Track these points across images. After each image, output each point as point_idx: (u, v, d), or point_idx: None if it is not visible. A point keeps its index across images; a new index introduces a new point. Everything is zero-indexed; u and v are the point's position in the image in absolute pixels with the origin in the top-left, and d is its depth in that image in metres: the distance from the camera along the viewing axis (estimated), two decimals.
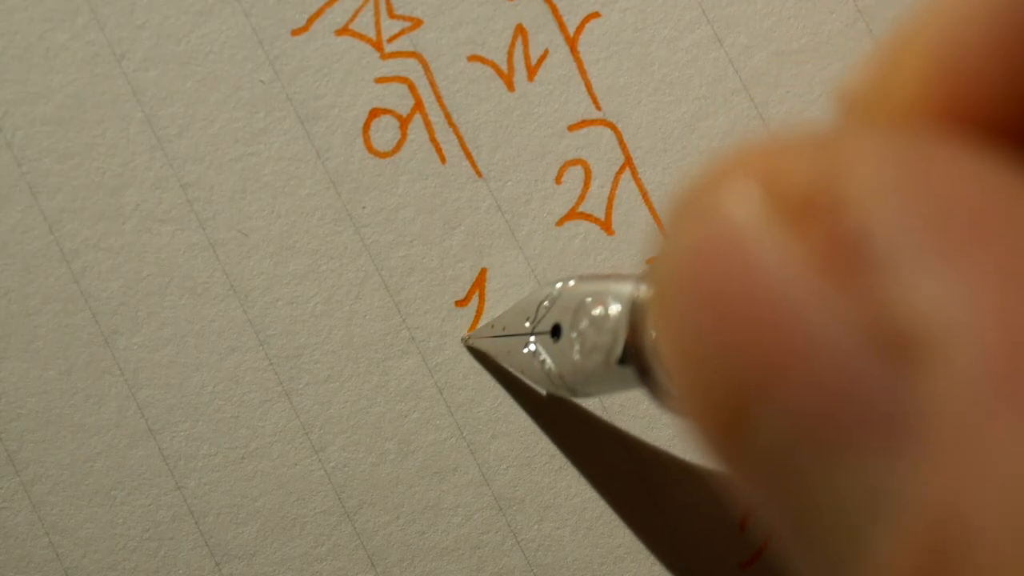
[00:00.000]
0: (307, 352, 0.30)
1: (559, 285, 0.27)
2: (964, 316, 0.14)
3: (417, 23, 0.31)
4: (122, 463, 0.29)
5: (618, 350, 0.24)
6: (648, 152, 0.31)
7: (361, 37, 0.31)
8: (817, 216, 0.15)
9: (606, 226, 0.31)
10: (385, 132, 0.31)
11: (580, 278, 0.26)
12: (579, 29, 0.31)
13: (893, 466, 0.14)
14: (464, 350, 0.30)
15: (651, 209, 0.31)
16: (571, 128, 0.31)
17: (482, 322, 0.30)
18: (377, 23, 0.31)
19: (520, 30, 0.31)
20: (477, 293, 0.30)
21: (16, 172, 0.30)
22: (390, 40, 0.31)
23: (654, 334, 0.22)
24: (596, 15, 0.31)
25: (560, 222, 0.31)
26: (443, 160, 0.31)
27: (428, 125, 0.31)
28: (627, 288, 0.23)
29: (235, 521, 0.29)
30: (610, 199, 0.31)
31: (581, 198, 0.31)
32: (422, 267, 0.30)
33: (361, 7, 0.31)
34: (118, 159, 0.30)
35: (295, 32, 0.31)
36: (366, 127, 0.30)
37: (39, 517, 0.29)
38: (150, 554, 0.29)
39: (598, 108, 0.31)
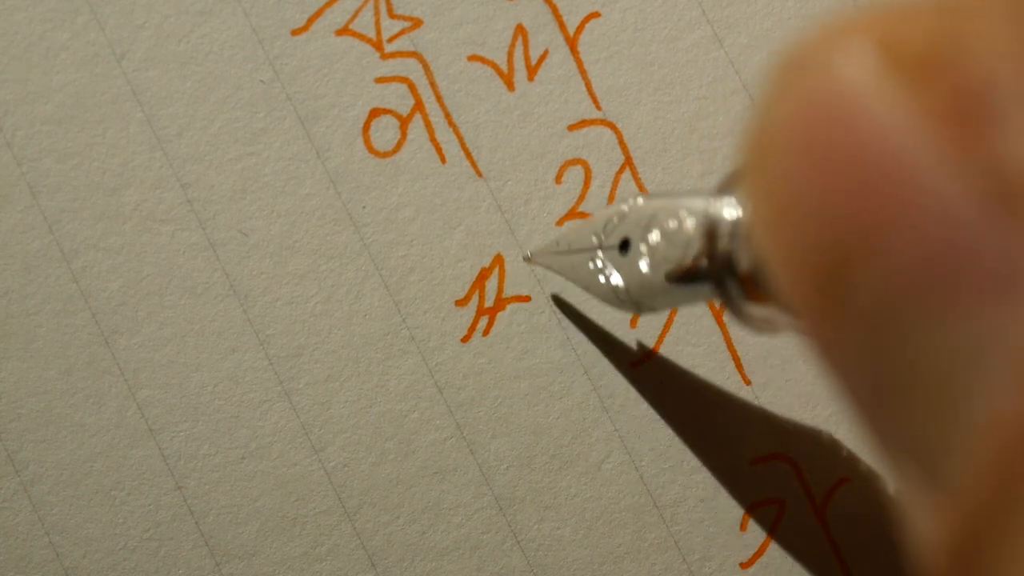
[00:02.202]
0: (307, 352, 0.30)
1: (630, 201, 0.26)
2: None
3: (417, 23, 0.31)
4: (122, 463, 0.29)
5: (689, 261, 0.23)
6: (648, 152, 0.31)
7: (361, 37, 0.31)
8: (937, 71, 0.15)
9: None
10: (385, 132, 0.31)
11: (650, 195, 0.26)
12: (579, 29, 0.31)
13: (1002, 321, 0.14)
14: (464, 350, 0.30)
15: None
16: (571, 128, 0.31)
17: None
18: (377, 23, 0.31)
19: (520, 30, 0.31)
20: (477, 293, 0.30)
21: (16, 172, 0.30)
22: (390, 40, 0.31)
23: (737, 248, 0.21)
24: (596, 15, 0.31)
25: (560, 222, 0.31)
26: (443, 160, 0.31)
27: (428, 125, 0.31)
28: (700, 202, 0.23)
29: (235, 521, 0.29)
30: (610, 199, 0.31)
31: (581, 198, 0.31)
32: (422, 267, 0.30)
33: (361, 7, 0.31)
34: (118, 159, 0.30)
35: (295, 32, 0.31)
36: (366, 127, 0.30)
37: (39, 517, 0.29)
38: (150, 554, 0.29)
39: (598, 108, 0.31)
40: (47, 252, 0.30)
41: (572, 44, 0.31)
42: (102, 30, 0.30)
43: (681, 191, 0.25)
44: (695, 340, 0.30)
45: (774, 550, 0.30)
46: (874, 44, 0.15)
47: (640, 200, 0.26)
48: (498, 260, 0.30)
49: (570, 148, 0.31)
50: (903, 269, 0.15)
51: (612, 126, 0.31)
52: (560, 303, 0.30)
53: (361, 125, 0.30)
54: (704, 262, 0.23)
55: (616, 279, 0.26)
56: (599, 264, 0.27)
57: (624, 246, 0.26)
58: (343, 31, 0.31)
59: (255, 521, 0.29)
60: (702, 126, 0.31)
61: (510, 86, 0.31)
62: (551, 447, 0.30)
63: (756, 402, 0.30)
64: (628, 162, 0.31)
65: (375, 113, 0.31)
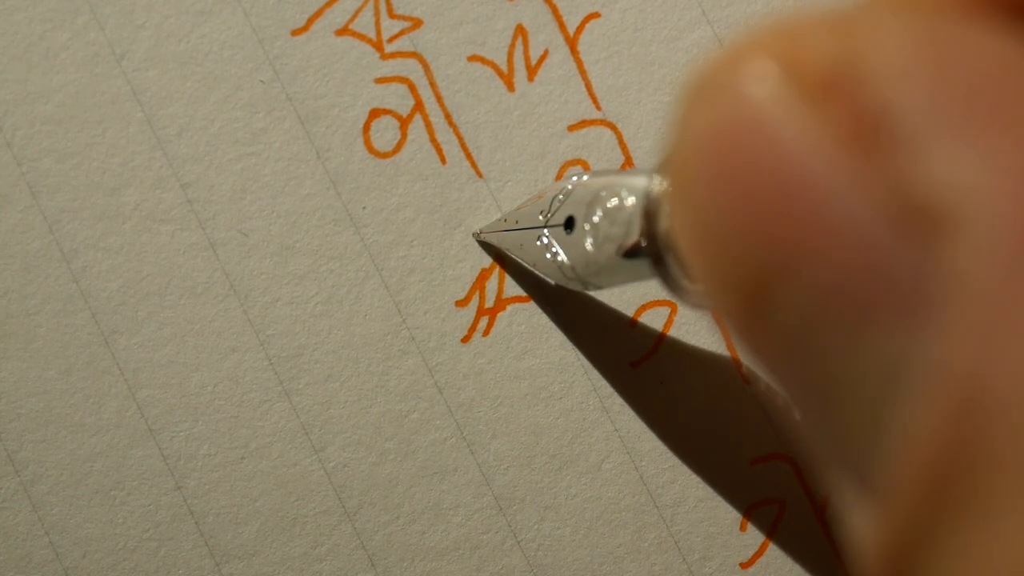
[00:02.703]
0: (307, 352, 0.30)
1: (574, 179, 0.27)
2: (986, 188, 0.14)
3: (417, 23, 0.31)
4: (122, 463, 0.29)
5: (631, 240, 0.24)
6: (648, 152, 0.31)
7: (361, 37, 0.31)
8: (838, 93, 0.15)
9: None
10: (385, 132, 0.31)
11: (594, 173, 0.27)
12: (579, 29, 0.31)
13: (917, 339, 0.14)
14: (464, 350, 0.30)
15: None
16: (571, 128, 0.31)
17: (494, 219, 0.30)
18: (377, 23, 0.31)
19: (520, 30, 0.31)
20: (477, 293, 0.30)
21: (16, 172, 0.30)
22: (390, 40, 0.31)
23: (670, 219, 0.22)
24: (596, 15, 0.31)
25: None
26: (443, 160, 0.31)
27: (428, 125, 0.31)
28: (641, 180, 0.24)
29: (235, 521, 0.29)
30: None
31: None
32: (422, 267, 0.30)
33: (361, 7, 0.31)
34: (118, 159, 0.30)
35: (295, 32, 0.31)
36: (366, 127, 0.30)
37: (39, 517, 0.29)
38: (150, 554, 0.29)
39: (598, 108, 0.31)
40: (47, 252, 0.30)
41: (572, 44, 0.31)
42: (102, 30, 0.30)
43: (625, 169, 0.25)
44: (695, 340, 0.30)
45: (774, 550, 0.30)
46: (775, 65, 0.16)
47: (584, 178, 0.27)
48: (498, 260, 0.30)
49: (570, 148, 0.31)
50: (819, 289, 0.15)
51: (612, 126, 0.31)
52: (559, 304, 0.30)
53: (361, 125, 0.30)
54: (643, 241, 0.23)
55: (562, 256, 0.27)
56: (545, 241, 0.27)
57: (569, 224, 0.27)
58: (343, 31, 0.31)
59: (255, 521, 0.29)
60: None
61: (510, 86, 0.31)
62: (551, 447, 0.30)
63: (756, 402, 0.30)
64: (628, 162, 0.31)
65: (375, 113, 0.31)
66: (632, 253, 0.24)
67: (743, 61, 0.16)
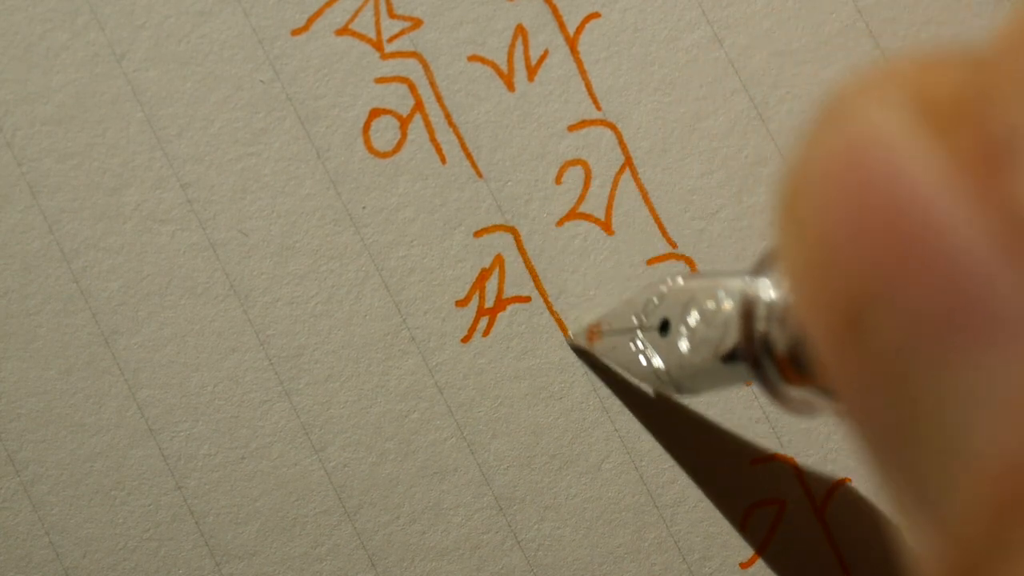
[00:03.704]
0: (307, 352, 0.30)
1: (669, 281, 0.27)
2: None
3: (417, 23, 0.31)
4: (122, 463, 0.29)
5: (729, 343, 0.24)
6: (648, 152, 0.31)
7: (361, 37, 0.31)
8: (962, 122, 0.15)
9: (606, 226, 0.31)
10: (385, 132, 0.31)
11: (689, 275, 0.26)
12: (579, 29, 0.31)
13: (1005, 364, 0.14)
14: (464, 350, 0.30)
15: (651, 209, 0.31)
16: (571, 128, 0.31)
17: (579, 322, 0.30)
18: (377, 23, 0.31)
19: (520, 30, 0.31)
20: (477, 293, 0.30)
21: (16, 172, 0.30)
22: (390, 40, 0.31)
23: (774, 330, 0.22)
24: (596, 15, 0.31)
25: (560, 222, 0.31)
26: (443, 160, 0.31)
27: (428, 125, 0.31)
28: (738, 283, 0.24)
29: (235, 521, 0.29)
30: (610, 199, 0.31)
31: (581, 198, 0.31)
32: (422, 267, 0.30)
33: (361, 7, 0.31)
34: (118, 159, 0.30)
35: (295, 32, 0.31)
36: (366, 127, 0.30)
37: (39, 517, 0.29)
38: (150, 554, 0.29)
39: (598, 108, 0.31)
40: (47, 252, 0.30)
41: (572, 44, 0.31)
42: (102, 30, 0.30)
43: (719, 271, 0.25)
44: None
45: (774, 550, 0.30)
46: (906, 95, 0.16)
47: (679, 280, 0.26)
48: (498, 260, 0.30)
49: (570, 148, 0.31)
50: (918, 311, 0.15)
51: (612, 126, 0.31)
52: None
53: (361, 125, 0.30)
54: (742, 344, 0.23)
55: (657, 361, 0.27)
56: (640, 345, 0.27)
57: (664, 327, 0.26)
58: (343, 31, 0.31)
59: (255, 521, 0.29)
60: (702, 126, 0.31)
61: (510, 86, 0.31)
62: (551, 447, 0.30)
63: (756, 402, 0.30)
64: (628, 162, 0.31)
65: (375, 113, 0.31)
66: (730, 357, 0.24)
67: (873, 88, 0.16)
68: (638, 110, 0.31)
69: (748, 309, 0.23)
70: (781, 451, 0.30)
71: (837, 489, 0.30)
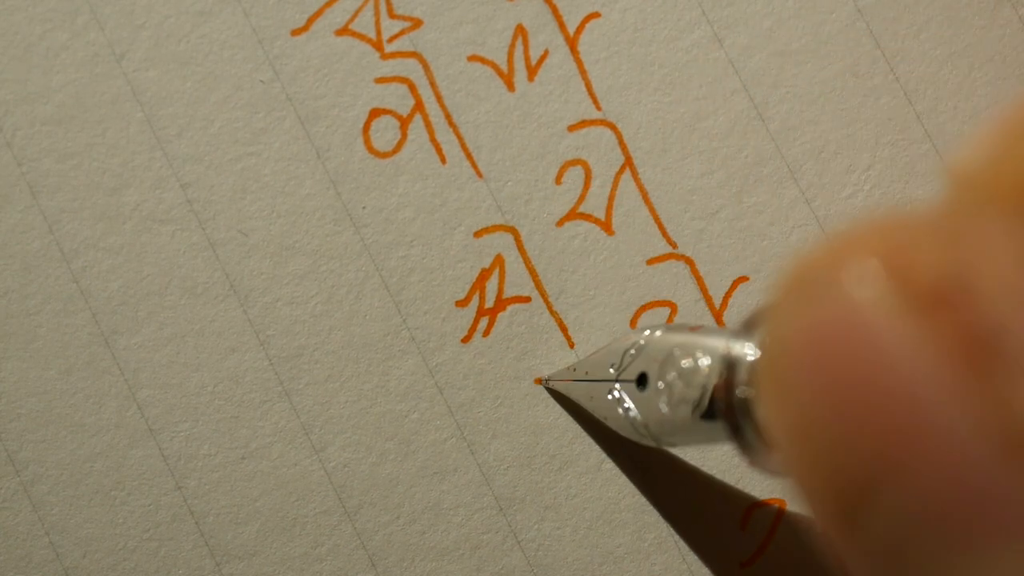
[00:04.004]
0: (307, 352, 0.30)
1: (646, 333, 0.27)
2: None
3: (417, 23, 0.31)
4: (122, 463, 0.29)
5: (706, 404, 0.24)
6: (648, 152, 0.31)
7: (361, 37, 0.31)
8: (947, 307, 0.15)
9: (606, 226, 0.31)
10: (385, 132, 0.31)
11: (668, 328, 0.26)
12: (579, 29, 0.31)
13: (1012, 563, 0.14)
14: (464, 350, 0.30)
15: (651, 209, 0.31)
16: (571, 128, 0.31)
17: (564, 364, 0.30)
18: (377, 23, 0.31)
19: (520, 30, 0.31)
20: (477, 293, 0.30)
21: (16, 172, 0.30)
22: (390, 40, 0.31)
23: (753, 394, 0.22)
24: (596, 15, 0.31)
25: (560, 222, 0.31)
26: (443, 160, 0.31)
27: (428, 125, 0.31)
28: (718, 343, 0.24)
29: (235, 521, 0.29)
30: (610, 199, 0.31)
31: (581, 198, 0.31)
32: (422, 267, 0.30)
33: (361, 7, 0.31)
34: (118, 159, 0.30)
35: (295, 32, 0.31)
36: (366, 127, 0.30)
37: (39, 517, 0.29)
38: (150, 554, 0.29)
39: (598, 108, 0.31)
40: (47, 252, 0.30)
41: (572, 44, 0.31)
42: (102, 30, 0.30)
43: (700, 327, 0.25)
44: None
45: (774, 550, 0.30)
46: (882, 268, 0.15)
47: (658, 333, 0.26)
48: (498, 260, 0.30)
49: (570, 148, 0.31)
50: (919, 503, 0.15)
51: (612, 126, 0.31)
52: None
53: (361, 125, 0.30)
54: (721, 405, 0.23)
55: (635, 412, 0.27)
56: (617, 395, 0.27)
57: (641, 381, 0.26)
58: (343, 31, 0.31)
59: (255, 521, 0.29)
60: (702, 126, 0.31)
61: (510, 86, 0.31)
62: (551, 447, 0.30)
63: None
64: (628, 162, 0.31)
65: (375, 113, 0.31)
66: (708, 416, 0.24)
67: (847, 259, 0.16)
68: (638, 110, 0.31)
69: (729, 372, 0.23)
70: None
71: None
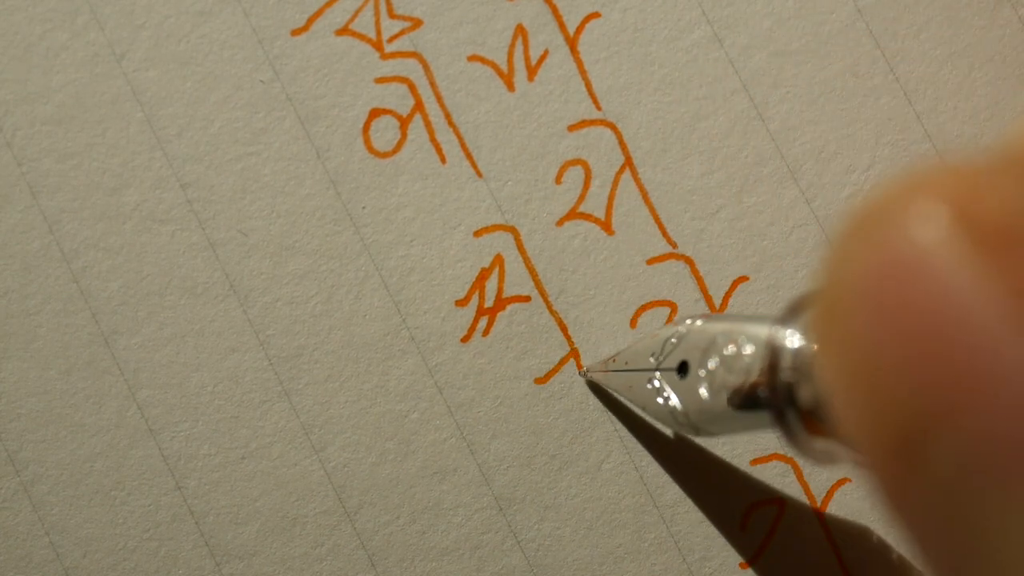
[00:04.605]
0: (307, 352, 0.30)
1: (688, 322, 0.26)
2: None
3: (417, 23, 0.31)
4: (122, 463, 0.29)
5: (751, 391, 0.24)
6: (648, 152, 0.31)
7: (361, 37, 0.31)
8: (1013, 249, 0.15)
9: (606, 226, 0.31)
10: (385, 132, 0.31)
11: (710, 317, 0.26)
12: (579, 29, 0.31)
13: None
14: (464, 350, 0.30)
15: (651, 209, 0.31)
16: (571, 128, 0.31)
17: (600, 357, 0.30)
18: (377, 23, 0.31)
19: (520, 30, 0.31)
20: (477, 293, 0.30)
21: (16, 172, 0.30)
22: (390, 40, 0.31)
23: (798, 379, 0.22)
24: (596, 15, 0.31)
25: (560, 222, 0.31)
26: (443, 160, 0.31)
27: (428, 125, 0.31)
28: (761, 329, 0.23)
29: (235, 521, 0.29)
30: (610, 199, 0.31)
31: (581, 198, 0.31)
32: (422, 267, 0.30)
33: (361, 7, 0.31)
34: (118, 159, 0.30)
35: (295, 32, 0.31)
36: (366, 127, 0.30)
37: (39, 517, 0.29)
38: (150, 554, 0.29)
39: (598, 108, 0.31)
40: (47, 252, 0.30)
41: (572, 44, 0.31)
42: (102, 30, 0.30)
43: (742, 315, 0.25)
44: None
45: (774, 550, 0.30)
46: (948, 207, 0.15)
47: (699, 322, 0.26)
48: (498, 260, 0.30)
49: (570, 148, 0.31)
50: (980, 443, 0.15)
51: (612, 126, 0.31)
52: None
53: (361, 125, 0.30)
54: (764, 392, 0.23)
55: (674, 401, 0.26)
56: (656, 385, 0.27)
57: (682, 368, 0.26)
58: (343, 31, 0.31)
59: (255, 521, 0.29)
60: (702, 126, 0.31)
61: (510, 86, 0.31)
62: (551, 447, 0.30)
63: None
64: (628, 162, 0.31)
65: (375, 113, 0.31)
66: (752, 404, 0.24)
67: (913, 200, 0.16)
68: (638, 110, 0.31)
69: (772, 357, 0.23)
70: (781, 451, 0.30)
71: (837, 489, 0.30)
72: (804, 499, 0.30)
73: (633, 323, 0.30)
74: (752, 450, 0.30)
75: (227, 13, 0.30)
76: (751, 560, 0.30)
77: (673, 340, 0.26)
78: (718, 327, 0.25)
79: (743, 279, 0.31)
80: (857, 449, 0.16)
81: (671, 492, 0.30)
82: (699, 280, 0.31)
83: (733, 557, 0.30)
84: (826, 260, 0.16)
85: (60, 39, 0.30)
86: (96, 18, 0.30)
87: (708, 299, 0.31)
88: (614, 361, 0.29)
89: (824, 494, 0.30)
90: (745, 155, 0.31)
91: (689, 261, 0.31)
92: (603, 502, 0.30)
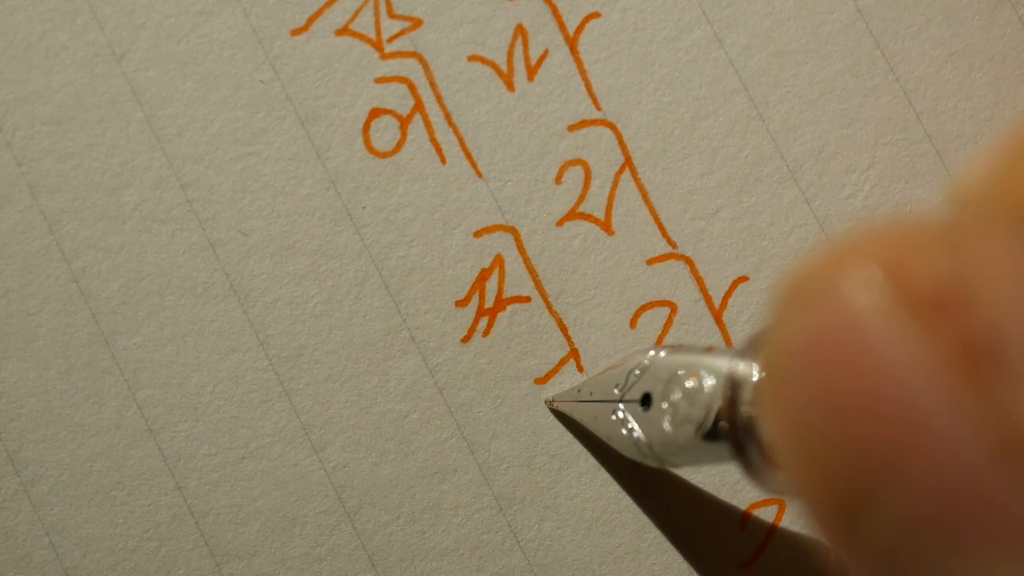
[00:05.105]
0: (307, 352, 0.30)
1: (651, 354, 0.27)
2: None
3: (417, 23, 0.31)
4: (122, 463, 0.29)
5: (710, 424, 0.24)
6: (648, 152, 0.31)
7: (361, 37, 0.31)
8: (946, 314, 0.15)
9: (606, 226, 0.31)
10: (385, 132, 0.31)
11: (672, 348, 0.27)
12: (579, 29, 0.31)
13: (1011, 568, 0.14)
14: (464, 350, 0.30)
15: (651, 209, 0.31)
16: (571, 128, 0.31)
17: (569, 383, 0.30)
18: (377, 23, 0.31)
19: (520, 30, 0.31)
20: (477, 293, 0.30)
21: (16, 172, 0.30)
22: (390, 40, 0.31)
23: (757, 413, 0.22)
24: (596, 15, 0.31)
25: (560, 222, 0.31)
26: (443, 160, 0.31)
27: (428, 125, 0.31)
28: (722, 363, 0.24)
29: (235, 521, 0.29)
30: (610, 199, 0.31)
31: (581, 198, 0.31)
32: (422, 267, 0.30)
33: (361, 7, 0.31)
34: (118, 159, 0.30)
35: (295, 32, 0.31)
36: (366, 127, 0.30)
37: (39, 517, 0.29)
38: (150, 554, 0.29)
39: (598, 108, 0.31)
40: (47, 252, 0.30)
41: (572, 44, 0.31)
42: (102, 30, 0.30)
43: (706, 348, 0.26)
44: (695, 340, 0.30)
45: (774, 550, 0.30)
46: (882, 275, 0.15)
47: (662, 354, 0.26)
48: (498, 260, 0.30)
49: (570, 148, 0.31)
50: (918, 511, 0.15)
51: (612, 126, 0.31)
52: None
53: (361, 125, 0.30)
54: (725, 425, 0.23)
55: (638, 432, 0.27)
56: (621, 416, 0.27)
57: (645, 401, 0.26)
58: (343, 31, 0.31)
59: (255, 521, 0.29)
60: (702, 126, 0.31)
61: (510, 86, 0.31)
62: (551, 447, 0.30)
63: None
64: (628, 162, 0.31)
65: (375, 113, 0.31)
66: (712, 436, 0.24)
67: (847, 265, 0.16)
68: (638, 110, 0.31)
69: (733, 392, 0.23)
70: None
71: None
72: None
73: (633, 323, 0.30)
74: None
75: (227, 13, 0.30)
76: (751, 560, 0.30)
77: (636, 372, 0.27)
78: (680, 359, 0.26)
79: (743, 279, 0.31)
80: (803, 508, 0.17)
81: (671, 492, 0.30)
82: (699, 280, 0.31)
83: (733, 557, 0.30)
84: (770, 320, 0.17)
85: (60, 39, 0.30)
86: (96, 18, 0.30)
87: (708, 299, 0.31)
88: (579, 391, 0.29)
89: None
90: (745, 155, 0.31)
91: (689, 261, 0.31)
92: (603, 502, 0.30)
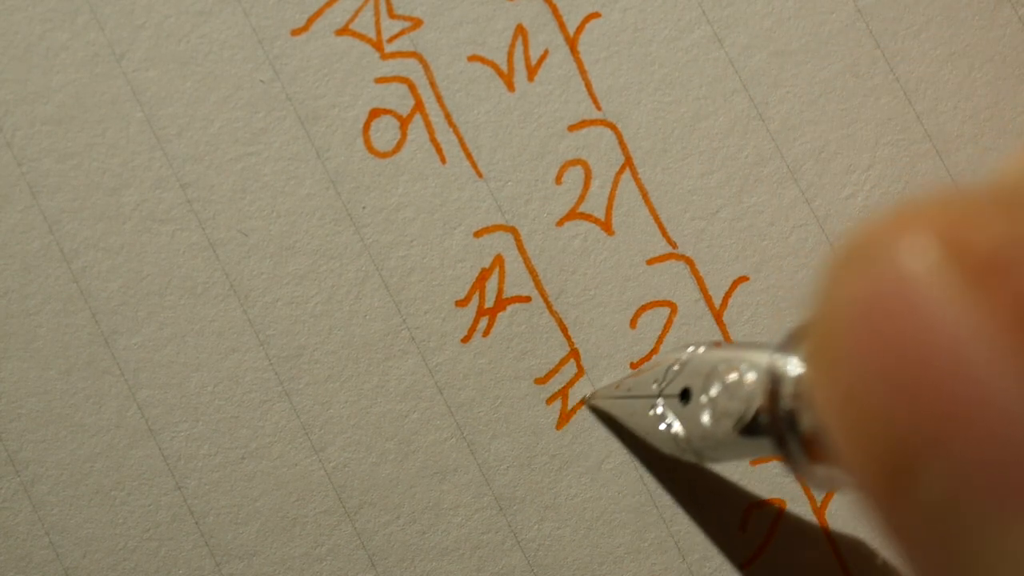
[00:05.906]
0: (307, 352, 0.30)
1: (690, 349, 0.27)
2: None
3: (417, 23, 0.31)
4: (122, 463, 0.29)
5: (749, 417, 0.24)
6: (648, 152, 0.31)
7: (361, 37, 0.31)
8: (1000, 280, 0.15)
9: (606, 226, 0.31)
10: (385, 132, 0.31)
11: (712, 344, 0.26)
12: (579, 29, 0.31)
13: None
14: (464, 350, 0.30)
15: (651, 209, 0.31)
16: (571, 128, 0.31)
17: (604, 383, 0.30)
18: (377, 23, 0.31)
19: (520, 30, 0.31)
20: (477, 293, 0.30)
21: (16, 172, 0.30)
22: (390, 40, 0.31)
23: (798, 407, 0.22)
24: (596, 15, 0.31)
25: (560, 222, 0.31)
26: (443, 160, 0.31)
27: (428, 125, 0.31)
28: (763, 357, 0.24)
29: (235, 521, 0.29)
30: (610, 199, 0.31)
31: (581, 198, 0.31)
32: (422, 267, 0.30)
33: (361, 7, 0.31)
34: (118, 159, 0.30)
35: (295, 32, 0.31)
36: (366, 127, 0.30)
37: (39, 517, 0.29)
38: (150, 554, 0.29)
39: (598, 108, 0.31)
40: (47, 252, 0.30)
41: (572, 44, 0.31)
42: (102, 30, 0.30)
43: (743, 343, 0.25)
44: (694, 339, 0.30)
45: (774, 550, 0.30)
46: (938, 240, 0.16)
47: (701, 349, 0.26)
48: (498, 260, 0.30)
49: (570, 148, 0.31)
50: (968, 471, 0.15)
51: (612, 126, 0.31)
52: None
53: (361, 125, 0.30)
54: (765, 419, 0.23)
55: (677, 428, 0.27)
56: (659, 412, 0.27)
57: (684, 395, 0.26)
58: (343, 31, 0.31)
59: (255, 521, 0.29)
60: (702, 126, 0.31)
61: (510, 86, 0.31)
62: (551, 447, 0.30)
63: None
64: (628, 162, 0.31)
65: (375, 113, 0.31)
66: (752, 430, 0.24)
67: (903, 231, 0.16)
68: (638, 110, 0.31)
69: (773, 384, 0.23)
70: None
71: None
72: (804, 499, 0.30)
73: (633, 323, 0.30)
74: None
75: (227, 13, 0.30)
76: (751, 560, 0.30)
77: (675, 367, 0.27)
78: (720, 354, 0.25)
79: (743, 279, 0.31)
80: (850, 473, 0.17)
81: (671, 492, 0.30)
82: (699, 280, 0.31)
83: (733, 557, 0.30)
84: (818, 289, 0.17)
85: (60, 39, 0.30)
86: (96, 18, 0.30)
87: (708, 299, 0.31)
88: (617, 388, 0.29)
89: (824, 494, 0.30)
90: (745, 155, 0.31)
91: (689, 261, 0.31)
92: (603, 502, 0.30)
